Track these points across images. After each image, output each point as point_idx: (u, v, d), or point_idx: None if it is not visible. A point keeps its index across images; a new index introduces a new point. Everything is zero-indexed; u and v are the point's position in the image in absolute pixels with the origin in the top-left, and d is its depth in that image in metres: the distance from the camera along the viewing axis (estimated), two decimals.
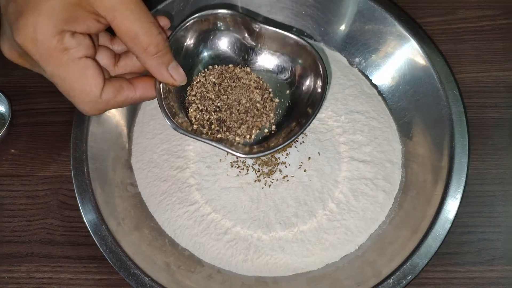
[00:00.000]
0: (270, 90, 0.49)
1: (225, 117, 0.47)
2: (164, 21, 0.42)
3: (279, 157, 0.56)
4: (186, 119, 0.47)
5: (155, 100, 0.42)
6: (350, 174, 0.54)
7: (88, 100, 0.39)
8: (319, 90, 0.46)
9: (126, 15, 0.36)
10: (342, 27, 0.60)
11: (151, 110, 0.58)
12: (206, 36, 0.47)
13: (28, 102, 0.61)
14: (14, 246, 0.54)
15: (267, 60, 0.49)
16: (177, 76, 0.42)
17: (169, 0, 0.57)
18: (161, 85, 0.43)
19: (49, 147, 0.58)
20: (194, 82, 0.48)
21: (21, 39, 0.35)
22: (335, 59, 0.61)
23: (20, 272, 0.53)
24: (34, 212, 0.55)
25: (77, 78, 0.37)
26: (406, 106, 0.57)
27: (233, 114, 0.47)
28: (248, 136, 0.47)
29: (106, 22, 0.37)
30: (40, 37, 0.35)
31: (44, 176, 0.57)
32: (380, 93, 0.59)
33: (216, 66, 0.48)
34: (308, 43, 0.46)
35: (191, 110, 0.47)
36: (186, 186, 0.54)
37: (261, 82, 0.49)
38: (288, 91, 0.49)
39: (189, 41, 0.46)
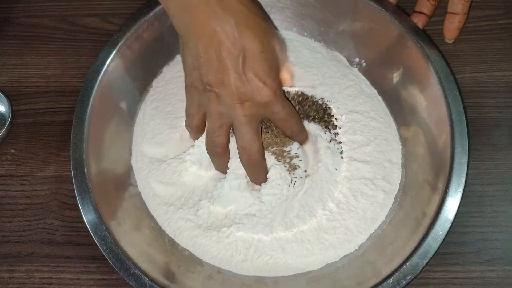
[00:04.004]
0: None
1: None
2: None
3: None
4: None
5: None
6: (349, 174, 0.54)
7: None
8: None
9: None
10: (342, 27, 0.60)
11: (151, 110, 0.58)
12: None
13: (28, 102, 0.61)
14: (14, 246, 0.54)
15: None
16: None
17: None
18: None
19: (49, 147, 0.58)
20: None
21: None
22: (335, 59, 0.61)
23: (20, 272, 0.53)
24: (34, 212, 0.55)
25: None
26: (406, 106, 0.57)
27: None
28: None
29: None
30: None
31: (44, 176, 0.57)
32: (380, 93, 0.59)
33: None
34: None
35: None
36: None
37: None
38: None
39: None
